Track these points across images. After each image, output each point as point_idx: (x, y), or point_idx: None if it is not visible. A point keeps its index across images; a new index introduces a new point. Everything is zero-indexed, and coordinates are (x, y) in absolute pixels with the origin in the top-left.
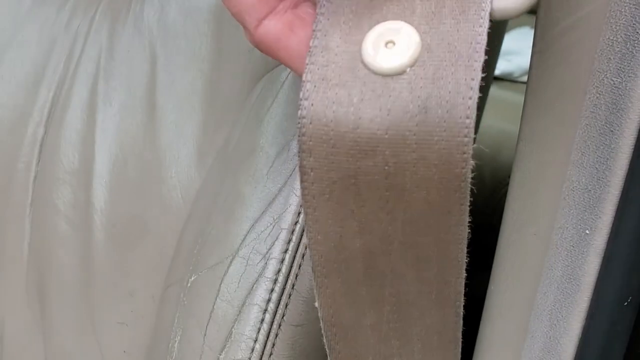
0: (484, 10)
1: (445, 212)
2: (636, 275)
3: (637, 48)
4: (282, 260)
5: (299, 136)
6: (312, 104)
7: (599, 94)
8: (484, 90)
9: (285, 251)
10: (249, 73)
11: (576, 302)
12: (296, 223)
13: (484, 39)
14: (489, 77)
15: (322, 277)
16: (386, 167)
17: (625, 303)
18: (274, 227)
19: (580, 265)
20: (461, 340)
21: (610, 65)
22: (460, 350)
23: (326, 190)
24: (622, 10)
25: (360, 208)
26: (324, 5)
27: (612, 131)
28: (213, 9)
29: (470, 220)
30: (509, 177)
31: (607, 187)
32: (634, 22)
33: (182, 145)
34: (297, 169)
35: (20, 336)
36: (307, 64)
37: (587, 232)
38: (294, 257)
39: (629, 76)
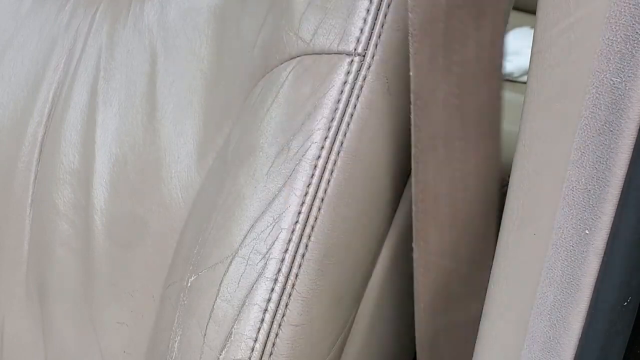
0: None
1: None
2: (635, 276)
3: (636, 48)
4: (282, 260)
5: None
6: None
7: (599, 94)
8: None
9: (285, 251)
10: (249, 73)
11: (576, 302)
12: (296, 223)
13: None
14: None
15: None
16: None
17: (625, 303)
18: (274, 227)
19: (580, 266)
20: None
21: (610, 65)
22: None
23: None
24: (622, 10)
25: None
26: None
27: (611, 131)
28: (213, 9)
29: None
30: (509, 177)
31: (607, 187)
32: (633, 22)
33: (182, 145)
34: (297, 168)
35: (20, 336)
36: None
37: (587, 232)
38: (294, 257)
39: (629, 76)
